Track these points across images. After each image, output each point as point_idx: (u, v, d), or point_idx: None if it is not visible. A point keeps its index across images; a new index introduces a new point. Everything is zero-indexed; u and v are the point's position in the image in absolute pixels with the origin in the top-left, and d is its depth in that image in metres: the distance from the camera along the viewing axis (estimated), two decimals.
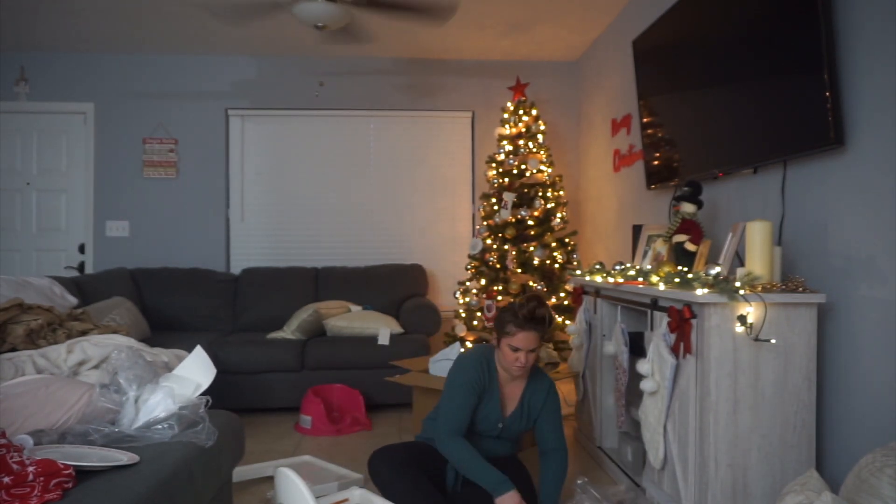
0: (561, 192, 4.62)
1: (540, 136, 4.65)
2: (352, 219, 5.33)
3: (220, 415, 2.02)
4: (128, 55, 5.13)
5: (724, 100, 2.79)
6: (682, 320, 2.15)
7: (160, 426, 1.74)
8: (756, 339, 2.04)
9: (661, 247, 2.72)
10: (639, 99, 3.68)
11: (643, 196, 3.97)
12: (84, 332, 2.66)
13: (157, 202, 5.16)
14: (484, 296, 4.40)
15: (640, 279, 2.61)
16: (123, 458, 1.54)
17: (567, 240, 4.52)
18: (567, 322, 4.23)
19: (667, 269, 2.38)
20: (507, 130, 4.70)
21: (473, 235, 5.20)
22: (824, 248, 2.26)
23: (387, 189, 5.36)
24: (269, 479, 2.71)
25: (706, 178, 2.90)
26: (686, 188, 2.63)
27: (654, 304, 2.41)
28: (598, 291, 3.07)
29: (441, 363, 3.31)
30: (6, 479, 1.28)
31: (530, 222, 4.47)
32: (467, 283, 4.58)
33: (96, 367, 2.33)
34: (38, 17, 4.37)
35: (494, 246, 4.54)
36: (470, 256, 4.68)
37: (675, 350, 2.22)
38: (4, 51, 4.99)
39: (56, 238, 5.17)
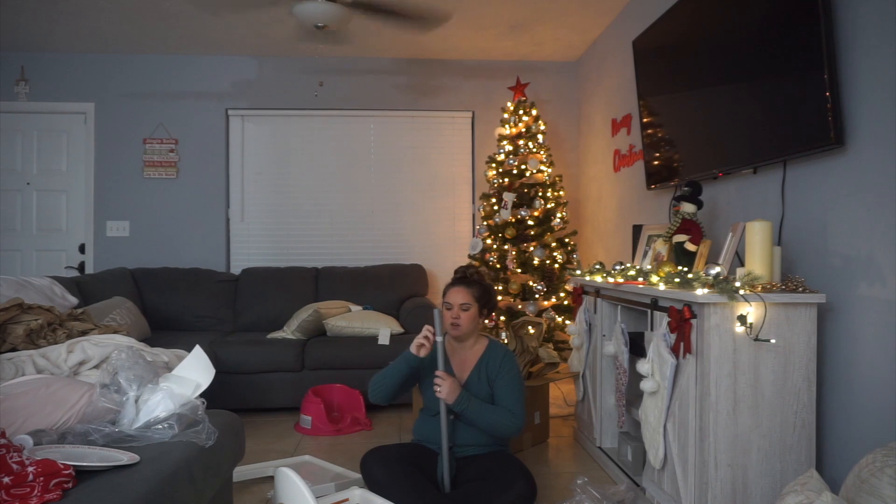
0: (561, 192, 4.62)
1: (540, 136, 4.66)
2: (352, 219, 5.34)
3: (220, 415, 2.02)
4: (128, 55, 5.14)
5: (724, 100, 2.79)
6: (682, 320, 2.15)
7: (160, 426, 1.74)
8: (756, 339, 2.04)
9: (661, 247, 2.72)
10: (639, 99, 3.68)
11: (643, 196, 3.97)
12: (84, 332, 2.66)
13: (157, 202, 5.17)
14: None
15: (640, 279, 2.61)
16: (123, 458, 1.54)
17: (567, 240, 4.52)
18: (567, 322, 4.23)
19: (667, 269, 2.38)
20: (507, 130, 4.70)
21: (473, 235, 5.21)
22: (824, 248, 2.26)
23: (387, 189, 5.36)
24: (269, 479, 2.70)
25: (706, 178, 2.90)
26: (686, 188, 2.63)
27: (654, 304, 2.41)
28: (598, 291, 3.07)
29: None
30: (6, 479, 1.28)
31: (530, 222, 4.47)
32: None
33: (96, 367, 2.33)
34: (38, 17, 4.37)
35: (494, 246, 4.54)
36: (470, 256, 4.68)
37: (675, 350, 2.22)
38: (4, 51, 4.99)
39: (56, 238, 5.17)
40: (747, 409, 2.06)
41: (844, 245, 2.17)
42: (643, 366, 2.35)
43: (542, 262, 4.40)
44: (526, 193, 4.55)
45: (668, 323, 2.24)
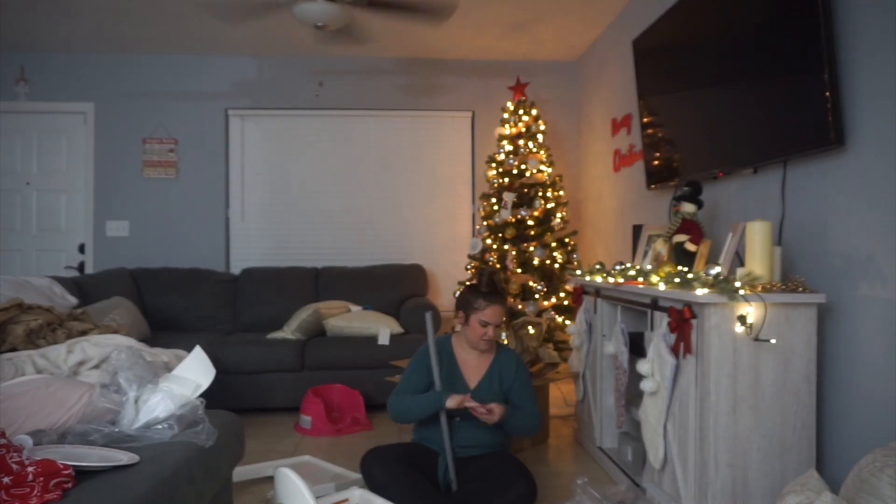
0: (561, 192, 4.62)
1: (540, 136, 4.66)
2: (352, 219, 5.33)
3: (220, 415, 2.02)
4: (128, 55, 5.14)
5: (724, 100, 2.79)
6: (682, 320, 2.15)
7: (160, 426, 1.74)
8: (756, 339, 2.04)
9: (661, 247, 2.72)
10: (639, 99, 3.68)
11: (643, 196, 3.97)
12: (84, 332, 2.66)
13: (157, 202, 5.17)
14: None
15: (640, 279, 2.61)
16: (123, 458, 1.53)
17: (567, 240, 4.52)
18: (567, 322, 4.23)
19: (667, 269, 2.37)
20: (507, 130, 4.70)
21: (473, 235, 5.20)
22: (824, 248, 2.26)
23: (387, 189, 5.36)
24: (269, 479, 2.70)
25: (706, 178, 2.90)
26: (686, 188, 2.63)
27: (654, 304, 2.41)
28: (598, 291, 3.07)
29: None
30: (6, 480, 1.28)
31: (530, 222, 4.47)
32: (467, 283, 4.58)
33: (96, 367, 2.33)
34: (38, 17, 4.37)
35: (494, 246, 4.54)
36: (470, 256, 4.68)
37: (675, 350, 2.22)
38: (4, 51, 4.99)
39: (56, 238, 5.17)
40: (747, 410, 2.06)
41: (844, 245, 2.17)
42: (643, 366, 2.35)
43: (542, 262, 4.40)
44: (526, 193, 4.55)
45: (669, 323, 2.24)
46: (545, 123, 4.75)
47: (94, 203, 5.12)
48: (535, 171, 4.52)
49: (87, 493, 1.36)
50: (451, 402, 2.29)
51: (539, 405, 2.51)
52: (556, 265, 4.45)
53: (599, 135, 4.87)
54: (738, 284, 2.04)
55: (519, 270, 4.42)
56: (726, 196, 2.91)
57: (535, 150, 4.61)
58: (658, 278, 2.35)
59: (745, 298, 2.02)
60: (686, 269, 2.36)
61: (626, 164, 4.29)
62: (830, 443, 2.22)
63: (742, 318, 2.03)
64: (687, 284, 2.14)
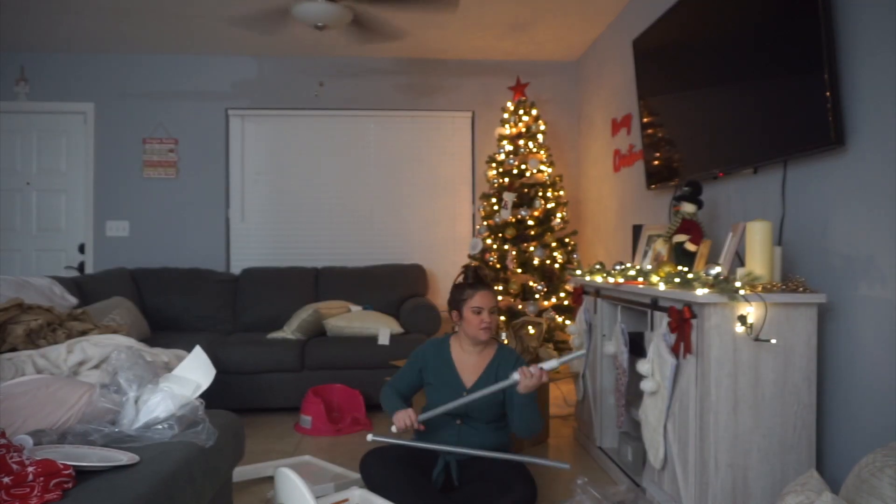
0: (561, 192, 4.62)
1: (540, 136, 4.66)
2: (352, 218, 5.34)
3: (219, 415, 2.02)
4: (128, 55, 5.13)
5: (724, 99, 2.79)
6: (683, 320, 2.15)
7: (160, 426, 1.74)
8: (756, 339, 2.04)
9: (661, 247, 2.72)
10: (639, 99, 3.68)
11: (643, 196, 3.97)
12: (84, 332, 2.66)
13: (157, 202, 5.17)
14: None
15: (640, 279, 2.61)
16: (123, 458, 1.53)
17: (567, 240, 4.52)
18: (567, 322, 4.23)
19: (667, 269, 2.37)
20: (507, 130, 4.70)
21: (473, 235, 5.21)
22: (824, 248, 2.26)
23: (387, 189, 5.36)
24: (269, 479, 2.70)
25: (706, 178, 2.90)
26: (686, 188, 2.63)
27: (654, 304, 2.41)
28: (598, 291, 3.07)
29: None
30: (6, 480, 1.28)
31: (530, 222, 4.47)
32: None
33: (96, 367, 2.33)
34: (38, 17, 4.37)
35: (494, 246, 4.54)
36: (470, 256, 4.68)
37: (675, 350, 2.22)
38: (4, 51, 4.99)
39: (56, 238, 5.17)
40: (747, 410, 2.06)
41: (844, 245, 2.17)
42: (643, 366, 2.35)
43: (542, 262, 4.40)
44: (526, 193, 4.55)
45: (669, 323, 2.24)
46: (545, 123, 4.75)
47: (94, 203, 5.12)
48: (535, 171, 4.52)
49: (87, 493, 1.36)
50: (395, 423, 2.36)
51: (539, 405, 2.50)
52: (556, 265, 4.45)
53: (599, 135, 4.87)
54: (738, 284, 2.04)
55: (519, 270, 4.42)
56: (726, 196, 2.91)
57: (535, 150, 4.61)
58: (658, 278, 2.35)
59: (746, 298, 2.02)
60: (686, 269, 2.36)
61: (626, 164, 4.29)
62: (830, 443, 2.22)
63: (742, 318, 2.03)
64: (687, 284, 2.14)
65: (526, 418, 2.36)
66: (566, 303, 4.36)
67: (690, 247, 2.54)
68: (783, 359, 2.07)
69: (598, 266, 3.10)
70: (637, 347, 2.67)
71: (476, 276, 2.53)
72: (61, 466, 1.35)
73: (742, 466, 2.06)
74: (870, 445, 1.93)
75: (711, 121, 2.90)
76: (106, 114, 5.13)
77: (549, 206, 4.51)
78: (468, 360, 2.51)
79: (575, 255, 4.52)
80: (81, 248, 5.17)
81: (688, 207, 2.60)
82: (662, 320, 2.31)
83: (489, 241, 4.56)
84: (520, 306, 4.33)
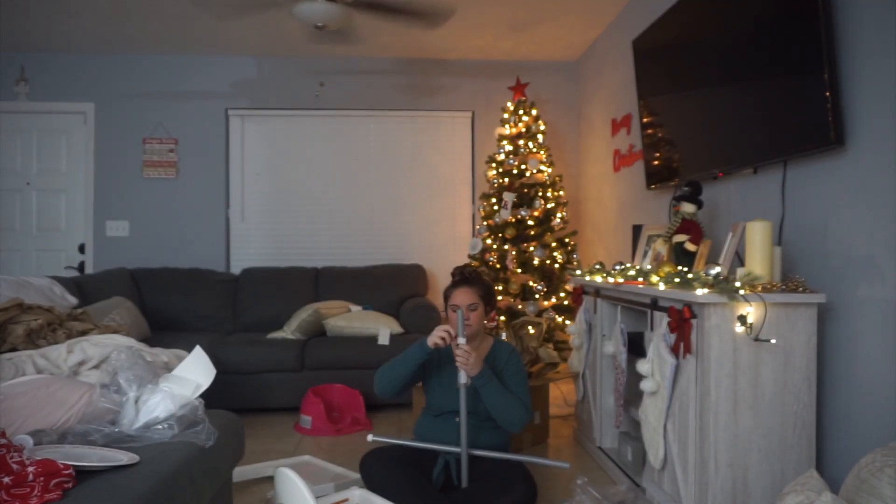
0: (561, 192, 4.62)
1: (540, 136, 4.66)
2: (352, 219, 5.34)
3: (220, 415, 2.02)
4: (128, 55, 5.14)
5: (724, 100, 2.79)
6: (682, 320, 2.15)
7: (160, 426, 1.74)
8: (756, 339, 2.04)
9: (661, 247, 2.72)
10: (639, 99, 3.68)
11: (643, 196, 3.97)
12: (84, 332, 2.66)
13: (157, 202, 5.17)
14: None
15: (640, 279, 2.61)
16: (123, 458, 1.53)
17: (567, 240, 4.52)
18: (567, 322, 4.23)
19: (667, 269, 2.37)
20: (507, 130, 4.70)
21: (473, 235, 5.21)
22: (824, 248, 2.26)
23: (387, 189, 5.36)
24: (269, 479, 2.70)
25: (706, 178, 2.90)
26: (686, 188, 2.63)
27: (654, 304, 2.41)
28: (598, 291, 3.07)
29: None
30: (6, 479, 1.28)
31: (530, 222, 4.47)
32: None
33: (96, 367, 2.33)
34: (38, 17, 4.37)
35: (494, 246, 4.54)
36: (470, 256, 4.68)
37: (675, 350, 2.22)
38: (4, 51, 4.99)
39: (56, 238, 5.17)
40: (747, 409, 2.06)
41: (844, 245, 2.17)
42: (643, 366, 2.35)
43: (542, 262, 4.40)
44: (526, 193, 4.55)
45: (668, 323, 2.24)
46: (545, 123, 4.75)
47: (94, 203, 5.12)
48: (535, 171, 4.52)
49: (87, 493, 1.36)
50: (431, 339, 2.31)
51: (532, 398, 2.48)
52: (556, 265, 4.45)
53: (599, 135, 4.87)
54: (738, 284, 2.04)
55: (519, 270, 4.42)
56: (726, 196, 2.91)
57: (534, 150, 4.61)
58: (658, 278, 2.35)
59: (745, 298, 2.02)
60: (686, 269, 2.36)
61: (626, 164, 4.29)
62: (830, 443, 2.22)
63: (742, 318, 2.03)
64: (687, 284, 2.14)
65: (496, 407, 2.32)
66: (566, 303, 4.36)
67: (690, 247, 2.54)
68: (783, 359, 2.07)
69: (597, 266, 3.10)
70: (637, 347, 2.67)
71: (461, 275, 2.55)
72: (61, 466, 1.35)
73: (742, 466, 2.06)
74: (870, 445, 1.93)
75: (711, 121, 2.90)
76: (106, 114, 5.13)
77: (549, 206, 4.51)
78: None
79: (575, 255, 4.52)
80: (81, 248, 5.17)
81: (688, 207, 2.61)
82: (662, 320, 2.31)
83: (489, 241, 4.56)
84: (520, 306, 4.33)
